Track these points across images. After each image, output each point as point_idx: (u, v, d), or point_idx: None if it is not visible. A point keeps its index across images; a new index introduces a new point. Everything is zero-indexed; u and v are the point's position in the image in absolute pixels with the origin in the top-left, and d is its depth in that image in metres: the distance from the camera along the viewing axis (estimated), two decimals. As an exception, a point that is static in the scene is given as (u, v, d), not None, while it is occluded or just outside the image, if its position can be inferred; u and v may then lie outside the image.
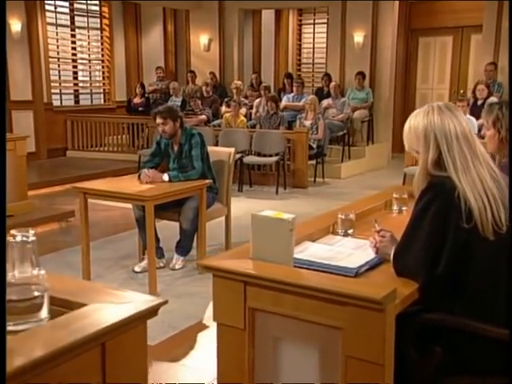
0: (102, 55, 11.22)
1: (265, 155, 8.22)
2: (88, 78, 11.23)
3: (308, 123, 8.58)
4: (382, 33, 10.05)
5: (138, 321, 1.21)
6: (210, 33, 11.12)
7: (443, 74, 11.18)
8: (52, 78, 10.24)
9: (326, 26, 12.24)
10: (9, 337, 1.16)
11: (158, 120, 4.50)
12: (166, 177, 4.39)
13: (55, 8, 10.38)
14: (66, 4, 10.57)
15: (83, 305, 1.24)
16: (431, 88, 11.36)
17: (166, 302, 1.27)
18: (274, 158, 7.97)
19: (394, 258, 1.89)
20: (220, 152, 4.95)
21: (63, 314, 1.23)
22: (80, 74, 11.05)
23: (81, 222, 4.41)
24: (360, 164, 9.48)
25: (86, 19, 10.88)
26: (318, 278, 1.80)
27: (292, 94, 9.69)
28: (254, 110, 9.73)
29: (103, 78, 11.31)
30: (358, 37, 10.16)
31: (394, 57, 10.27)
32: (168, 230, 4.93)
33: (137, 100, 10.37)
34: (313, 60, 12.56)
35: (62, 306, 1.25)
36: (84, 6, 10.83)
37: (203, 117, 9.12)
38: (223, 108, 9.87)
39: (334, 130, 9.13)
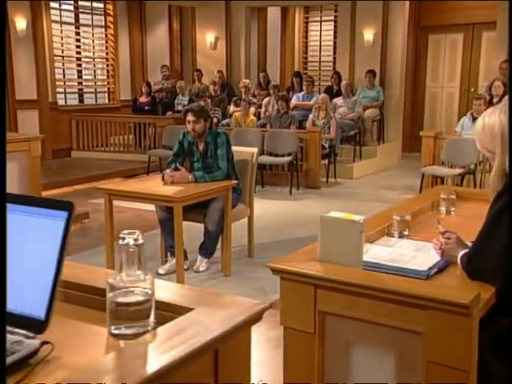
0: (107, 53, 11.20)
1: (277, 155, 8.22)
2: (92, 77, 11.21)
3: (320, 122, 8.59)
4: (393, 30, 10.06)
5: (246, 325, 1.21)
6: (216, 31, 11.11)
7: (453, 72, 11.20)
8: (56, 76, 10.22)
9: (332, 23, 12.28)
10: (122, 342, 1.15)
11: (190, 117, 4.50)
12: (191, 177, 4.39)
13: (60, 5, 10.35)
14: (71, 1, 10.54)
15: (189, 309, 1.23)
16: (441, 86, 11.38)
17: (269, 307, 1.26)
18: (288, 158, 7.96)
19: (467, 260, 1.89)
20: (243, 152, 4.94)
21: (169, 318, 1.23)
22: (84, 72, 11.01)
23: (106, 223, 4.42)
24: (371, 164, 9.49)
25: (90, 17, 10.85)
26: (394, 280, 1.79)
27: (302, 93, 9.68)
28: (262, 109, 9.73)
29: (107, 76, 11.29)
30: (368, 35, 10.17)
31: (404, 55, 10.29)
32: (190, 232, 4.92)
33: (143, 99, 10.34)
34: (319, 58, 12.57)
35: (166, 310, 1.24)
36: (88, 4, 10.81)
37: (213, 119, 9.06)
38: (231, 107, 9.87)
39: (345, 130, 9.13)
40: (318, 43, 12.52)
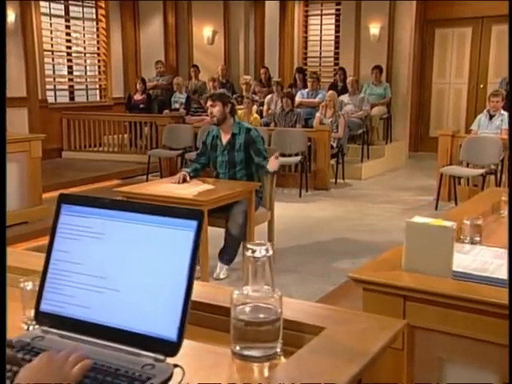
0: (98, 48, 11.06)
1: (284, 155, 8.14)
2: (83, 73, 11.07)
3: (327, 121, 8.54)
4: (400, 24, 10.04)
5: (387, 347, 1.14)
6: (213, 25, 11.03)
7: (461, 68, 11.21)
8: (46, 72, 10.07)
9: (334, 17, 12.24)
10: (255, 365, 1.08)
11: (208, 103, 4.64)
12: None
13: (49, -3, 10.21)
14: (61, -7, 10.41)
15: (320, 328, 1.15)
16: (448, 83, 11.39)
17: (405, 325, 1.19)
18: (297, 158, 7.89)
19: None
20: (263, 152, 4.87)
21: (296, 338, 1.15)
22: (75, 68, 10.87)
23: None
24: (380, 164, 9.46)
25: (80, 9, 10.71)
26: (491, 291, 1.73)
27: (306, 90, 9.64)
28: (265, 107, 9.66)
29: (99, 72, 11.15)
30: (374, 29, 10.15)
31: (411, 50, 10.28)
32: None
33: (137, 96, 10.22)
34: (320, 54, 12.51)
35: (292, 329, 1.17)
36: (79, -5, 10.68)
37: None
38: (232, 105, 9.78)
39: (352, 128, 9.09)
40: (319, 38, 12.47)
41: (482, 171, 6.57)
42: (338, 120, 8.52)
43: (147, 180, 8.20)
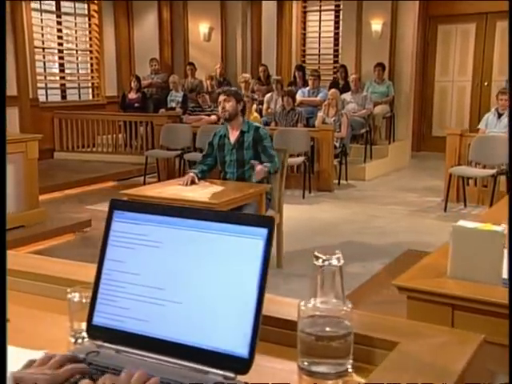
0: (90, 45, 10.99)
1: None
2: (75, 71, 10.99)
3: (330, 120, 8.51)
4: (403, 20, 10.04)
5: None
6: (210, 21, 10.99)
7: (465, 66, 11.23)
8: (37, 70, 9.99)
9: (333, 13, 12.25)
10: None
11: (221, 97, 4.61)
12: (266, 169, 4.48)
13: (40, -8, 10.13)
14: (52, -13, 10.33)
15: (393, 343, 1.11)
16: (451, 80, 11.41)
17: (483, 339, 1.15)
18: (301, 159, 7.86)
19: None
20: (271, 152, 4.84)
21: (366, 353, 1.11)
22: (66, 66, 10.80)
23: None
24: (383, 164, 9.45)
25: (72, 4, 10.64)
26: (546, 299, 1.70)
27: (307, 88, 9.61)
28: (264, 106, 9.64)
29: (91, 70, 11.08)
30: (376, 25, 10.15)
31: (414, 47, 10.28)
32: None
33: (132, 95, 10.16)
34: (319, 51, 12.51)
35: (361, 343, 1.12)
36: (70, -10, 10.61)
37: (213, 117, 8.93)
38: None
39: (354, 128, 9.08)
40: (318, 34, 12.46)
41: (492, 171, 6.57)
42: (341, 119, 8.50)
43: (144, 182, 8.16)
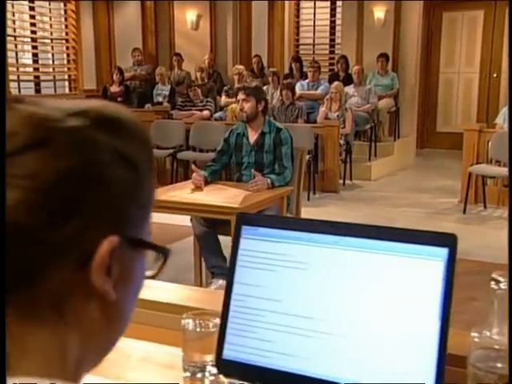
0: (67, 33, 10.80)
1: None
2: (50, 62, 10.82)
3: (333, 115, 8.47)
4: (407, 7, 10.02)
5: None
6: (198, 8, 10.88)
7: (472, 56, 11.27)
8: (8, 61, 9.79)
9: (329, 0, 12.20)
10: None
11: (240, 96, 4.49)
12: (269, 182, 4.29)
13: (12, -25, 9.94)
14: (25, -30, 10.14)
15: None
16: (457, 72, 11.45)
17: None
18: (306, 157, 7.78)
19: None
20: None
21: None
22: (40, 56, 10.62)
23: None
24: (389, 162, 9.44)
25: (47, -11, 10.47)
26: None
27: (307, 81, 9.57)
28: (260, 100, 9.55)
29: (68, 61, 10.90)
30: (379, 12, 10.13)
31: (419, 36, 10.28)
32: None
33: (114, 88, 10.03)
34: (313, 41, 12.46)
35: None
36: (44, -26, 10.44)
37: (206, 112, 8.83)
38: (223, 98, 9.68)
39: (358, 123, 9.05)
40: (312, 23, 12.40)
41: (516, 170, 6.56)
42: (345, 114, 8.46)
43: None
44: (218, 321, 1.14)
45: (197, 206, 3.83)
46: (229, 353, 1.06)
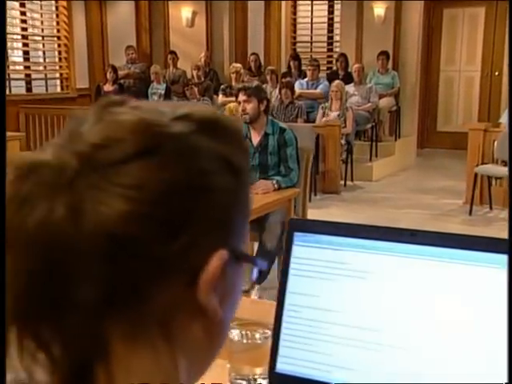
0: (58, 30, 10.73)
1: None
2: (41, 60, 10.76)
3: (334, 114, 8.45)
4: (407, 4, 10.01)
5: None
6: (193, 4, 10.85)
7: (473, 54, 11.27)
8: (-1, 59, 9.74)
9: (327, -4, 12.20)
10: None
11: (241, 97, 4.43)
12: (275, 183, 4.27)
13: (2, -28, 9.86)
14: (15, -34, 10.08)
15: None
16: (458, 70, 11.44)
17: None
18: (311, 158, 7.76)
19: None
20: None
21: None
22: (32, 54, 10.55)
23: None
24: (390, 163, 9.43)
25: (38, -15, 10.41)
26: None
27: (306, 80, 9.55)
28: (257, 99, 9.52)
29: (59, 59, 10.84)
30: (379, 9, 10.11)
31: (420, 33, 10.27)
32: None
33: (108, 87, 9.97)
34: (311, 38, 12.45)
35: None
36: (35, -31, 10.37)
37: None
38: (220, 97, 9.64)
39: (359, 123, 9.03)
40: (310, 20, 12.39)
41: (524, 171, 6.56)
42: (346, 113, 8.44)
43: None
44: (266, 332, 1.11)
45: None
46: (282, 366, 1.03)
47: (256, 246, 4.45)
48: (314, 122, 8.56)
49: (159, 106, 0.57)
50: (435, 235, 0.98)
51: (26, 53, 10.46)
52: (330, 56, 11.96)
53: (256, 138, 4.50)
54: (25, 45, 10.42)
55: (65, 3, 10.65)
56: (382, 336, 0.98)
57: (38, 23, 10.65)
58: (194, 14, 10.88)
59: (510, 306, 1.52)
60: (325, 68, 11.34)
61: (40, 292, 0.48)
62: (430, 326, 0.95)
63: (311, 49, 12.43)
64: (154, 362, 0.52)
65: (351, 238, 1.02)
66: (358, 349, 0.99)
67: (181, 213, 0.50)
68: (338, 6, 11.53)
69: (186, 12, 10.90)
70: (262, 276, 4.49)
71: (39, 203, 0.47)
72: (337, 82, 8.68)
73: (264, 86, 9.49)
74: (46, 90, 10.71)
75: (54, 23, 10.76)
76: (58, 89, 10.89)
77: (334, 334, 1.00)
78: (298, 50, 12.34)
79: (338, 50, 11.40)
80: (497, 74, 11.03)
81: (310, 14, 12.35)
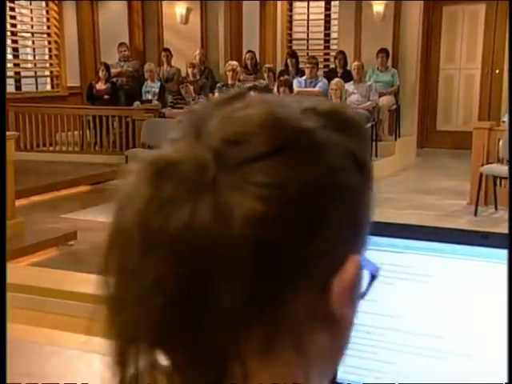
0: (48, 27, 10.71)
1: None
2: (31, 57, 10.71)
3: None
4: (407, 1, 10.02)
5: None
6: (188, 1, 10.82)
7: (473, 51, 11.28)
8: (-12, 57, 9.68)
9: (323, -8, 12.18)
10: None
11: None
12: None
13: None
14: (5, -39, 10.02)
15: None
16: (458, 68, 11.46)
17: None
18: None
19: None
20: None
21: None
22: (21, 51, 10.51)
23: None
24: (390, 163, 9.41)
25: (27, -19, 10.38)
26: None
27: (304, 78, 9.55)
28: (255, 98, 9.51)
29: (50, 56, 10.80)
30: (378, 6, 10.12)
31: (420, 31, 10.28)
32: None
33: (100, 86, 9.92)
34: (307, 35, 12.43)
35: None
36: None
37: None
38: (216, 95, 9.60)
39: (359, 122, 9.01)
40: (306, 17, 12.37)
41: (530, 170, 6.57)
42: (346, 112, 8.43)
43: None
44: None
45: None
46: (344, 376, 1.00)
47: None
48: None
49: (283, 99, 0.55)
50: (505, 237, 0.95)
51: (14, 50, 10.42)
52: (327, 54, 11.95)
53: None
54: (13, 41, 10.37)
55: (55, -1, 10.62)
56: (445, 343, 0.95)
57: (27, 19, 10.59)
58: (189, 10, 10.86)
59: (510, 305, 1.50)
60: (321, 66, 11.33)
61: (184, 298, 0.45)
62: (495, 332, 0.92)
63: (307, 46, 12.40)
64: (286, 377, 0.49)
65: (413, 240, 0.99)
66: (423, 357, 0.96)
67: (316, 214, 0.48)
68: (334, 3, 11.53)
69: (180, 8, 10.87)
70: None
71: (182, 204, 0.45)
72: (336, 79, 8.70)
73: (261, 84, 9.54)
74: (36, 88, 10.67)
75: (44, 19, 10.73)
76: (48, 87, 10.87)
77: (397, 342, 0.97)
78: (294, 47, 12.32)
79: (334, 47, 11.41)
80: (497, 72, 11.05)
81: (306, 10, 12.33)
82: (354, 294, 0.51)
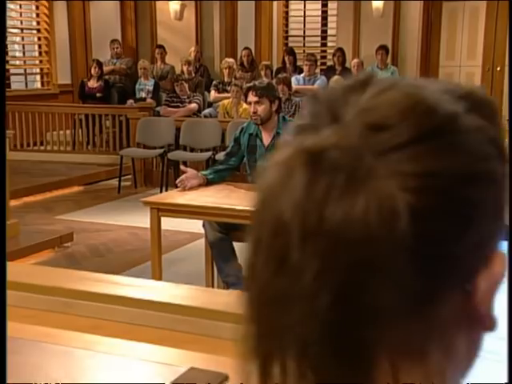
0: (38, 23, 10.65)
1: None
2: (21, 54, 10.66)
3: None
4: (407, -3, 10.07)
5: None
6: (182, -4, 10.83)
7: (474, 48, 11.30)
8: (-24, 54, 9.62)
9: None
10: None
11: (251, 98, 4.36)
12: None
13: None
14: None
15: None
16: (459, 65, 11.47)
17: None
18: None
19: None
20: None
21: None
22: (10, 48, 10.44)
23: (152, 248, 4.06)
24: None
25: (16, -25, 10.31)
26: None
27: (302, 75, 9.53)
28: (251, 96, 9.49)
29: (40, 53, 10.75)
30: (377, 2, 10.14)
31: (420, 27, 10.30)
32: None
33: (92, 83, 9.87)
34: (304, 32, 12.43)
35: None
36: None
37: (193, 105, 8.77)
38: (212, 93, 9.58)
39: (358, 120, 9.02)
40: (302, 13, 12.37)
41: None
42: (346, 111, 8.44)
43: (120, 186, 7.92)
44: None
45: (217, 210, 3.74)
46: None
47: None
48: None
49: (416, 80, 0.52)
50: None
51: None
52: (324, 51, 11.94)
53: (267, 139, 4.43)
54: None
55: (45, -6, 10.56)
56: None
57: (15, 14, 10.51)
58: (183, 6, 10.84)
59: (511, 304, 1.48)
60: (318, 63, 11.32)
61: (344, 295, 0.43)
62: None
63: (304, 43, 12.41)
64: (433, 379, 0.47)
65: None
66: (489, 361, 0.94)
67: (467, 205, 0.46)
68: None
69: (174, 4, 10.86)
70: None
71: (341, 195, 0.43)
72: (336, 77, 8.71)
73: (258, 82, 9.51)
74: (26, 85, 10.62)
75: (34, 15, 10.69)
76: (38, 85, 10.80)
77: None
78: (290, 44, 12.30)
79: (332, 44, 11.41)
80: (498, 69, 11.07)
81: (302, 7, 12.33)
82: (496, 293, 0.49)
